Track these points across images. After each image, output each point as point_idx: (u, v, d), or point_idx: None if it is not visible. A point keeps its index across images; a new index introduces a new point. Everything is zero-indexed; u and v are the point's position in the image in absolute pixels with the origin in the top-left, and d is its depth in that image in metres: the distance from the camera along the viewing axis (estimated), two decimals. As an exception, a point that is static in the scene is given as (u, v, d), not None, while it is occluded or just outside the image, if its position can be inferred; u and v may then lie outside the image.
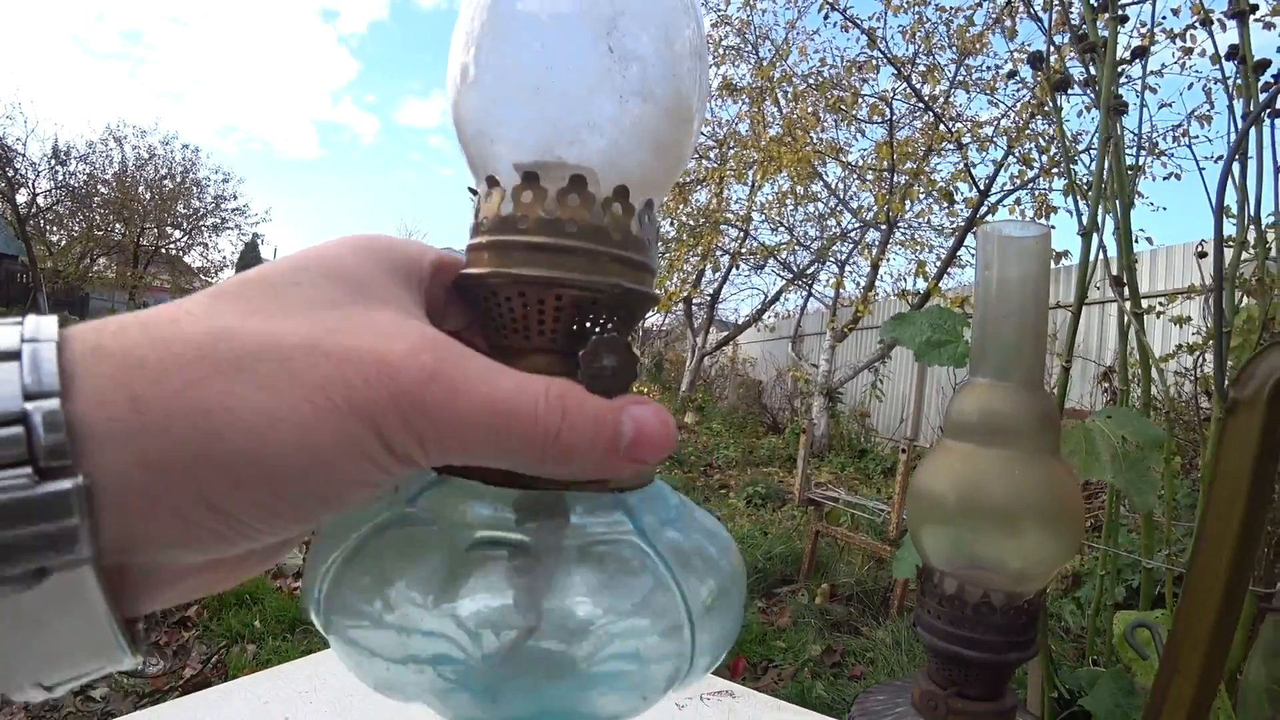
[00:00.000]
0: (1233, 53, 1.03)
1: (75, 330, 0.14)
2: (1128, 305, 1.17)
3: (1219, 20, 1.29)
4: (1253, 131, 1.00)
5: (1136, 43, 1.13)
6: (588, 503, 0.20)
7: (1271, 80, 1.02)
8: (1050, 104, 1.16)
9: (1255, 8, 1.02)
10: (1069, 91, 1.14)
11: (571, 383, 0.17)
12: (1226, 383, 0.31)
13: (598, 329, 0.20)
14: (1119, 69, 1.11)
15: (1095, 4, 1.10)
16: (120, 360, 0.14)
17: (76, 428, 0.13)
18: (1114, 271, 1.17)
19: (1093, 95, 1.18)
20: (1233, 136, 1.05)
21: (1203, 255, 1.63)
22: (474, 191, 0.21)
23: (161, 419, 0.13)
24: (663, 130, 0.21)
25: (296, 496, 0.15)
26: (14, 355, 0.13)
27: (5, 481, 0.12)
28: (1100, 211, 1.09)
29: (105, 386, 0.13)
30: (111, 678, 1.55)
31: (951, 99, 5.97)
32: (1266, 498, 0.31)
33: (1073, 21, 1.17)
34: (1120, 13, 1.08)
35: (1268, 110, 1.00)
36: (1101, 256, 1.12)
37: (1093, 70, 1.14)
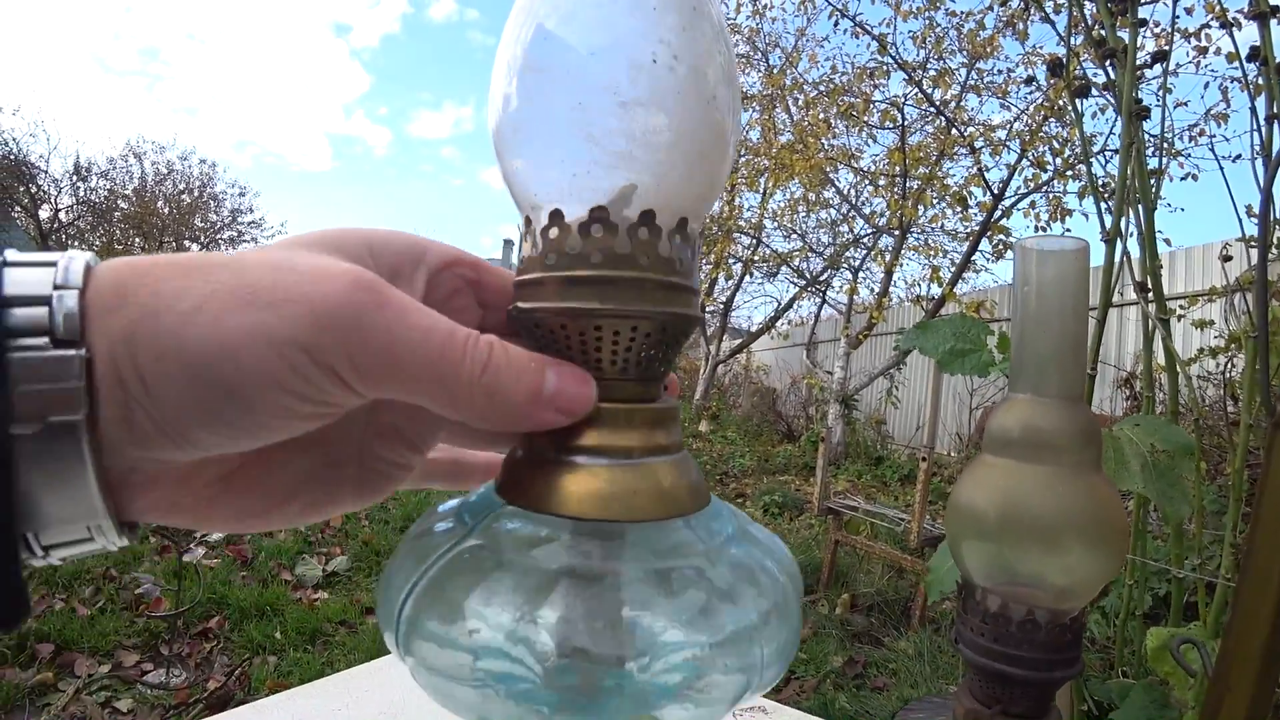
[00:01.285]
0: (1254, 54, 1.02)
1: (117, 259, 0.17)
2: (1152, 310, 1.16)
3: (1235, 19, 1.28)
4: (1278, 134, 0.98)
5: (1152, 43, 1.13)
6: (648, 529, 0.20)
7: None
8: (1069, 109, 1.15)
9: (1276, 10, 1.01)
10: (1088, 96, 1.14)
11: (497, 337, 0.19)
12: (1274, 397, 0.30)
13: (660, 354, 0.20)
14: (1138, 73, 1.10)
15: (1113, 8, 1.09)
16: (129, 266, 0.17)
17: (85, 312, 0.15)
18: (1138, 277, 1.16)
19: (1112, 99, 1.17)
20: (1252, 136, 1.03)
21: (1227, 259, 1.60)
22: (527, 221, 0.22)
23: (127, 301, 0.16)
24: (702, 156, 0.21)
25: (210, 386, 0.16)
26: (53, 264, 0.16)
27: (30, 344, 0.15)
28: (1123, 216, 1.08)
29: (107, 284, 0.16)
30: (136, 689, 1.56)
31: (963, 103, 5.95)
32: None
33: (1089, 23, 1.16)
34: (1139, 16, 1.07)
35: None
36: (1125, 262, 1.11)
37: (1111, 74, 1.13)
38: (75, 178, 15.82)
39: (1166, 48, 1.11)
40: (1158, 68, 1.15)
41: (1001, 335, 1.02)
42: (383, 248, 0.21)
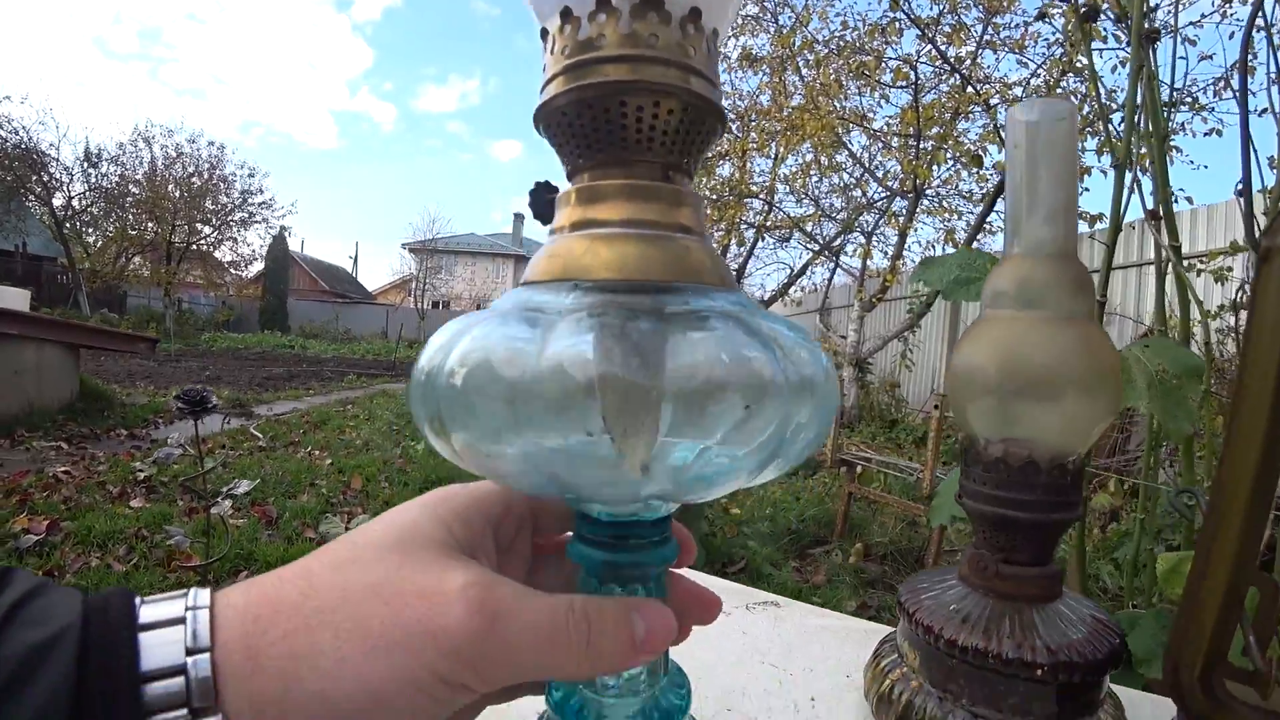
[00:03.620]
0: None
1: (223, 592, 0.19)
2: (1165, 239, 1.14)
3: None
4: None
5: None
6: (683, 292, 0.21)
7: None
8: (1083, 55, 1.13)
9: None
10: (1101, 46, 1.11)
11: (586, 597, 0.20)
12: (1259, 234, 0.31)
13: (697, 134, 0.22)
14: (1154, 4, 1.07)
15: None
16: (243, 616, 0.18)
17: (217, 675, 0.17)
18: (1149, 205, 1.14)
19: (1125, 30, 1.14)
20: (1269, 92, 1.01)
21: (1241, 194, 1.57)
22: (544, 32, 0.22)
23: (263, 665, 0.17)
24: None
25: None
26: (179, 621, 0.18)
27: (169, 718, 0.16)
28: (1134, 145, 1.06)
29: (233, 639, 0.18)
30: None
31: (979, 60, 5.80)
32: None
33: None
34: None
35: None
36: (1136, 188, 1.09)
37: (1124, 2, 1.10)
38: (86, 164, 15.92)
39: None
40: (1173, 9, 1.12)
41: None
42: (453, 519, 0.22)
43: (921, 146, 5.92)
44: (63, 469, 2.87)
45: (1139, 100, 1.07)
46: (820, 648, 0.51)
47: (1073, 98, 5.22)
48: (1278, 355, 0.31)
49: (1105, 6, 1.22)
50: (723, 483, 0.21)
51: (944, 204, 6.83)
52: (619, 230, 0.21)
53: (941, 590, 0.40)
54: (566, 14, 0.21)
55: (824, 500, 2.71)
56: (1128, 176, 1.11)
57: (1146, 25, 1.05)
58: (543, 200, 0.27)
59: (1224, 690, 0.34)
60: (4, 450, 3.25)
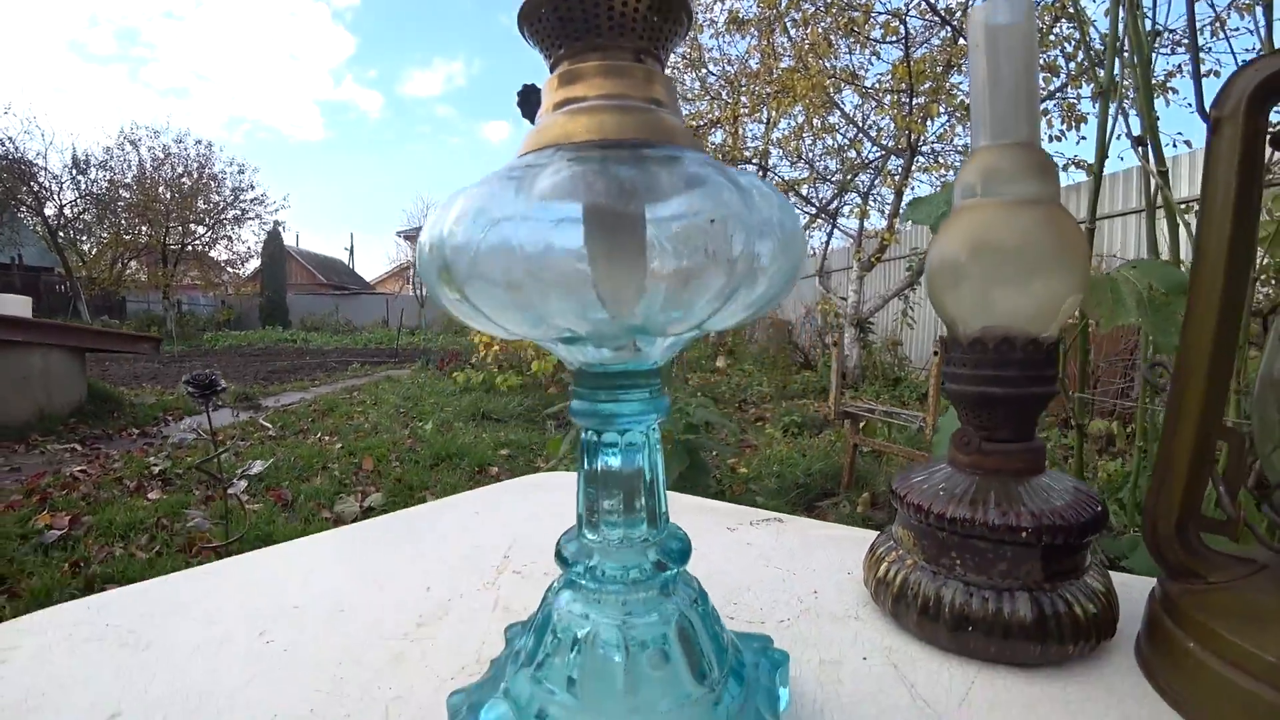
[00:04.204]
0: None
1: None
2: (1152, 166, 1.14)
3: None
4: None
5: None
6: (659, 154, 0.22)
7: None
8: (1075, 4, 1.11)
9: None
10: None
11: None
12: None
13: (666, 22, 0.23)
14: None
15: None
16: None
17: None
18: (1136, 132, 1.14)
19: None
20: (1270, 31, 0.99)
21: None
22: None
23: None
24: None
25: None
26: None
27: None
28: (1114, 70, 1.06)
29: None
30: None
31: (970, 9, 5.69)
32: (1254, 203, 0.33)
33: None
34: None
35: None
36: (1121, 117, 1.09)
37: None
38: (75, 171, 15.85)
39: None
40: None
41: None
42: None
43: (914, 102, 5.85)
44: (79, 468, 2.91)
45: (1121, 24, 1.06)
46: (822, 552, 0.53)
47: (1065, 44, 5.15)
48: (1230, 219, 0.33)
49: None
50: (695, 311, 0.22)
51: (939, 159, 6.77)
52: (596, 103, 0.22)
53: (931, 474, 0.42)
54: None
55: (829, 455, 2.74)
56: (1112, 106, 1.11)
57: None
58: (531, 101, 0.28)
59: (1198, 540, 0.35)
60: (19, 454, 3.29)
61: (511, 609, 0.44)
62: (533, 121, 0.29)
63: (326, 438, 3.58)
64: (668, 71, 0.25)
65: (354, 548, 0.55)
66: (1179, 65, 4.71)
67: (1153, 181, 1.20)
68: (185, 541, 2.04)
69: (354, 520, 2.32)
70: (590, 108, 0.22)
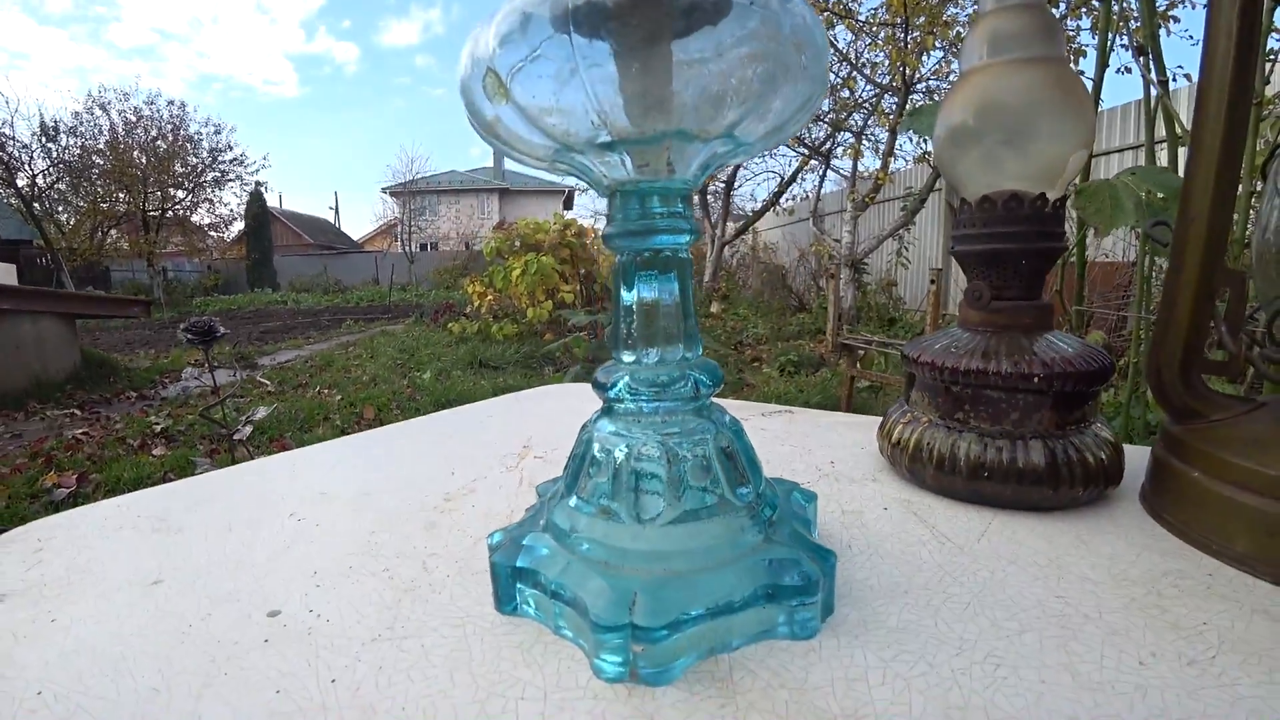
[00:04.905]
0: None
1: None
2: (1153, 75, 1.13)
3: None
4: None
5: None
6: None
7: None
8: None
9: None
10: None
11: None
12: None
13: None
14: None
15: None
16: None
17: None
18: (1137, 40, 1.12)
19: None
20: None
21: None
22: None
23: None
24: None
25: None
26: None
27: None
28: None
29: None
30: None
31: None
32: (1254, 48, 0.32)
33: None
34: None
35: None
36: (1124, 22, 1.07)
37: None
38: (44, 139, 15.37)
39: None
40: None
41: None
42: None
43: (910, 36, 5.69)
44: (80, 431, 2.92)
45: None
46: (835, 434, 0.54)
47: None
48: (1231, 63, 0.33)
49: None
50: (730, 102, 0.22)
51: (934, 97, 6.62)
52: None
53: (943, 337, 0.43)
54: None
55: (827, 389, 2.77)
56: (1113, 9, 1.08)
57: None
58: None
59: (1201, 382, 0.37)
60: (19, 422, 3.30)
61: (537, 484, 0.45)
62: None
63: (326, 390, 3.59)
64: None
65: (375, 449, 0.56)
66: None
67: (1153, 90, 1.19)
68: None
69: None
70: None
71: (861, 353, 2.37)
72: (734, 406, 0.65)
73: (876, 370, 2.56)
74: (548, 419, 0.63)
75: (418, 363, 4.26)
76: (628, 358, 0.27)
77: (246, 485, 0.47)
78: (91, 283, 15.60)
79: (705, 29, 0.20)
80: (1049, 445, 0.37)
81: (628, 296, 0.26)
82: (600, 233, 0.27)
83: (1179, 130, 1.15)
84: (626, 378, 0.27)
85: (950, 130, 0.41)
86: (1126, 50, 1.05)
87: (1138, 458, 0.42)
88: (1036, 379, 0.37)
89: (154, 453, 2.52)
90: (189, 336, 1.52)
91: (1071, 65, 0.38)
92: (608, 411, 0.28)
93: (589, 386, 0.78)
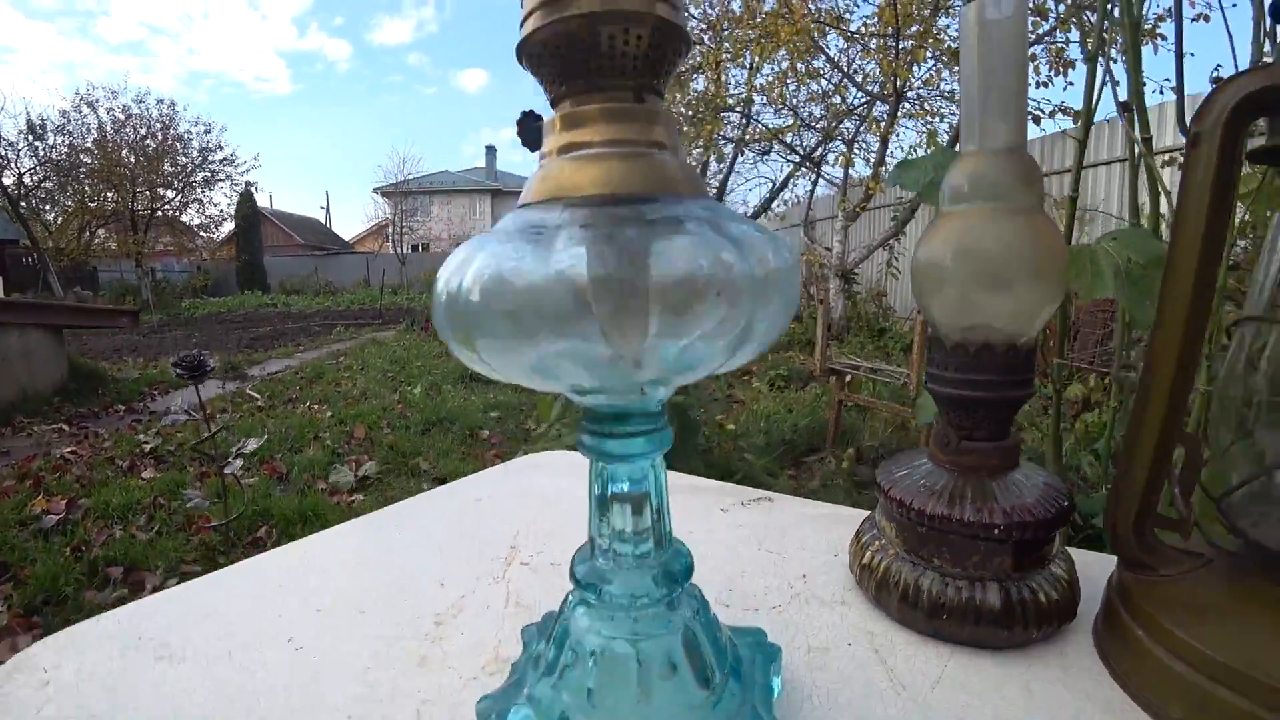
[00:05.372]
0: None
1: None
2: (1137, 132, 1.15)
3: None
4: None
5: None
6: (660, 203, 0.23)
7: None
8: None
9: None
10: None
11: None
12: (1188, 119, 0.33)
13: (664, 56, 0.24)
14: None
15: None
16: None
17: None
18: (1122, 97, 1.14)
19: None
20: None
21: (1217, 80, 1.57)
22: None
23: None
24: None
25: None
26: None
27: None
28: (1106, 36, 1.06)
29: None
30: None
31: (964, 6, 5.54)
32: (1224, 222, 0.34)
33: None
34: None
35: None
36: (1108, 80, 1.09)
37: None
38: (31, 138, 15.24)
39: None
40: None
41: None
42: None
43: (901, 46, 5.74)
44: (69, 449, 2.91)
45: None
46: (809, 532, 0.56)
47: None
48: (1201, 233, 0.35)
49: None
50: (703, 366, 0.24)
51: (925, 106, 6.68)
52: (601, 150, 0.23)
53: (913, 469, 0.45)
54: None
55: (815, 410, 2.80)
56: (1099, 70, 1.11)
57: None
58: (530, 129, 0.29)
59: (1153, 536, 0.39)
60: (6, 438, 3.28)
61: (523, 603, 0.46)
62: (532, 149, 0.30)
63: (316, 406, 3.59)
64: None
65: (367, 543, 0.58)
66: (1167, 9, 4.64)
67: (1136, 148, 1.22)
68: (184, 520, 2.07)
69: (349, 490, 2.36)
70: (594, 156, 0.23)
71: (849, 377, 2.40)
72: (716, 491, 0.67)
73: (864, 393, 2.59)
74: (536, 504, 0.65)
75: (408, 376, 4.27)
76: (602, 560, 0.29)
77: (244, 594, 0.49)
78: (79, 283, 15.47)
79: (675, 323, 0.22)
80: (1004, 587, 0.39)
81: (600, 499, 0.28)
82: (577, 438, 0.29)
83: (1162, 190, 1.18)
84: (599, 581, 0.28)
85: (929, 265, 0.42)
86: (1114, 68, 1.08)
87: (1098, 571, 0.44)
88: (997, 529, 0.39)
89: (143, 475, 2.52)
90: (178, 372, 1.53)
91: (1049, 216, 0.40)
92: (584, 600, 0.30)
93: (575, 456, 0.80)
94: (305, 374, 4.64)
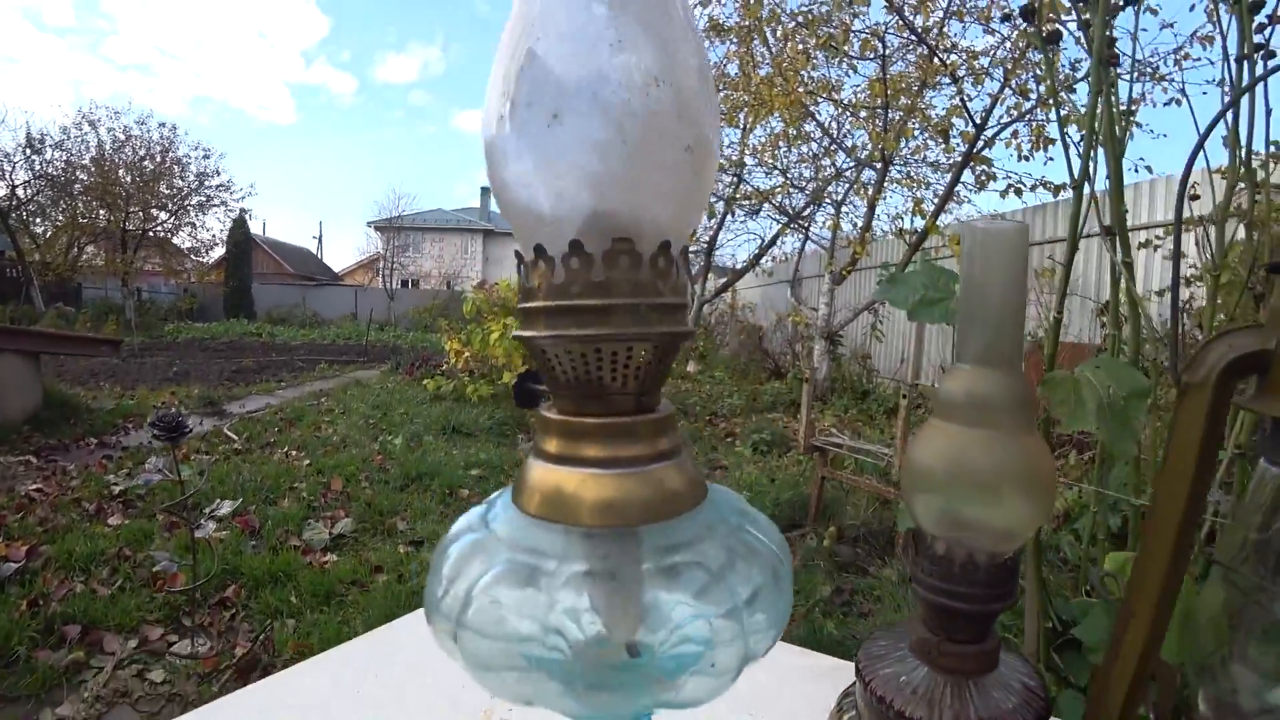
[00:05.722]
0: (1227, -12, 1.02)
1: None
2: (1119, 257, 1.19)
3: None
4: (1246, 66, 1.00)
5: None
6: (656, 526, 0.24)
7: (1265, 20, 1.01)
8: (1042, 53, 1.16)
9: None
10: (1059, 42, 1.14)
11: None
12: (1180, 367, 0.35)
13: (658, 368, 0.24)
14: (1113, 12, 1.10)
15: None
16: None
17: None
18: (1106, 220, 1.19)
19: (1085, 36, 1.17)
20: (1225, 69, 1.05)
21: (1195, 198, 1.64)
22: (520, 256, 0.25)
23: None
24: (691, 170, 0.23)
25: None
26: None
27: None
28: (1092, 160, 1.11)
29: None
30: (165, 660, 1.64)
31: (945, 29, 5.81)
32: (1210, 471, 0.36)
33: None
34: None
35: (1260, 52, 1.01)
36: (1094, 204, 1.14)
37: (1084, 12, 1.13)
38: (29, 151, 15.25)
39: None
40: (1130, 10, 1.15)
41: (969, 283, 1.06)
42: None
43: (890, 117, 5.95)
44: (34, 486, 2.83)
45: (1097, 119, 1.11)
46: (794, 695, 0.56)
47: (1038, 69, 5.27)
48: (1189, 479, 0.36)
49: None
50: (707, 693, 0.24)
51: (912, 174, 6.89)
52: (599, 473, 0.24)
53: (895, 661, 0.45)
54: (541, 252, 0.24)
55: (798, 483, 2.80)
56: (1085, 194, 1.16)
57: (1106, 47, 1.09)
58: (526, 391, 0.30)
59: (1132, 758, 0.39)
60: (-30, 465, 3.18)
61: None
62: (528, 407, 0.30)
63: (294, 452, 3.53)
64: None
65: (343, 699, 0.56)
66: (1143, 93, 4.87)
67: (1117, 269, 1.26)
68: (149, 575, 2.00)
69: (323, 549, 2.30)
70: (595, 476, 0.24)
71: (832, 454, 2.41)
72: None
73: (848, 467, 2.59)
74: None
75: (390, 424, 4.22)
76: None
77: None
78: (62, 299, 15.27)
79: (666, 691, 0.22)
80: (987, 803, 0.39)
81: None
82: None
83: (1142, 317, 1.22)
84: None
85: (919, 471, 0.43)
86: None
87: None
88: (976, 745, 0.39)
89: (109, 521, 2.45)
90: (155, 433, 1.50)
91: (1040, 437, 0.41)
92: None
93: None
94: (285, 414, 4.58)
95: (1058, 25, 1.17)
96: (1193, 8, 4.31)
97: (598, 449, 0.24)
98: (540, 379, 0.31)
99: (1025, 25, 1.22)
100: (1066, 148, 1.16)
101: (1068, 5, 1.21)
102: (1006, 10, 4.69)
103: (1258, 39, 1.01)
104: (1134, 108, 1.20)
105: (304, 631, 1.78)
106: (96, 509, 2.58)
